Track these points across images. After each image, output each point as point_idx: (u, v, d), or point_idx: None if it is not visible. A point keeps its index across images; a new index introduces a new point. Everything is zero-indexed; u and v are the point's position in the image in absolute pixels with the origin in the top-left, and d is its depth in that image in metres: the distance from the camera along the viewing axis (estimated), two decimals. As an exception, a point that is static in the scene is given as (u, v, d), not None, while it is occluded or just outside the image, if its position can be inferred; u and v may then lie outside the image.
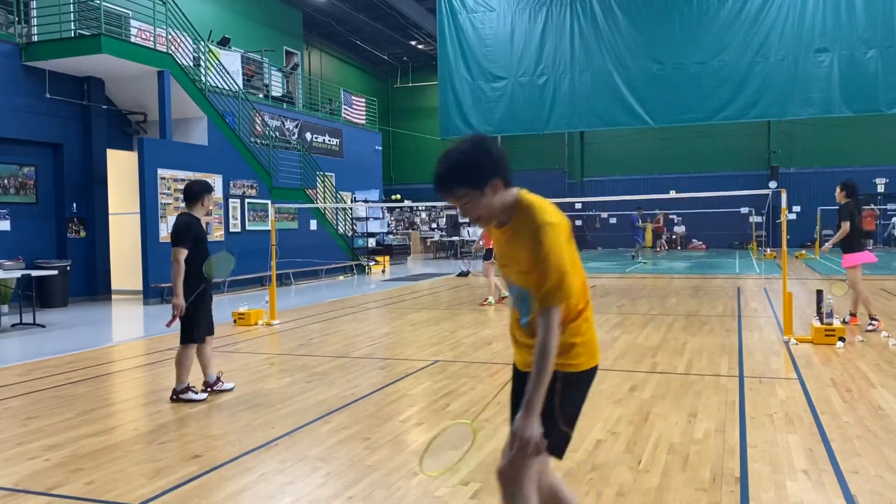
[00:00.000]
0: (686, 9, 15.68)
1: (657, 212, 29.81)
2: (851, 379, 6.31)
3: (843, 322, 9.01)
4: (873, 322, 8.94)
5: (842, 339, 7.91)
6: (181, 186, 14.60)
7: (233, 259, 6.35)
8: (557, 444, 2.57)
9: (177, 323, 5.99)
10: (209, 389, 6.15)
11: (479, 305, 12.43)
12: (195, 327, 5.96)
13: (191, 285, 5.89)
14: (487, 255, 12.51)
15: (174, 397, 5.97)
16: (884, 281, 15.70)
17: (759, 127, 30.86)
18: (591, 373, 2.59)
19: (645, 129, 23.21)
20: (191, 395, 5.95)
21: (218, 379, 6.25)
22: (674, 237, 33.38)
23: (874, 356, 7.30)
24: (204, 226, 6.18)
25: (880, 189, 30.22)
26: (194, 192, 5.98)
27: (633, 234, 25.49)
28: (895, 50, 14.43)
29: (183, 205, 6.13)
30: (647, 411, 5.35)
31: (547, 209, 2.46)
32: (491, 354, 7.84)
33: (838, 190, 9.35)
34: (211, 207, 15.25)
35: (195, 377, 6.21)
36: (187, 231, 5.86)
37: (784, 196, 8.48)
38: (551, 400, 2.50)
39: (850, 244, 9.07)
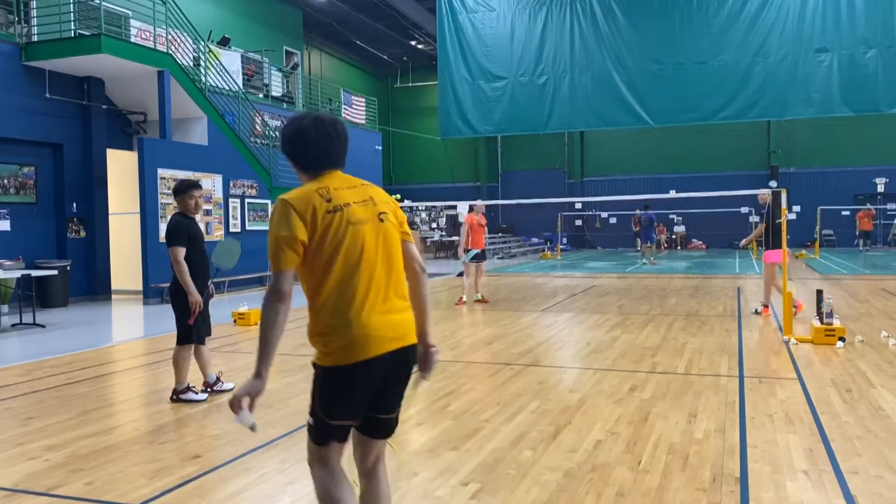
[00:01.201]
0: (686, 9, 15.67)
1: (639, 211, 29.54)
2: (851, 379, 6.31)
3: (756, 312, 10.58)
4: (765, 307, 10.56)
5: (842, 339, 7.91)
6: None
7: (238, 245, 6.32)
8: (310, 428, 2.63)
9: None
10: (209, 389, 6.13)
11: (473, 303, 12.45)
12: (194, 328, 5.92)
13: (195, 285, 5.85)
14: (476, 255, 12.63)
15: (174, 397, 5.95)
16: (884, 281, 15.70)
17: (759, 127, 30.87)
18: (338, 372, 2.51)
19: (645, 129, 23.19)
20: (191, 396, 5.93)
21: (218, 379, 6.23)
22: (674, 237, 33.38)
23: (874, 356, 7.31)
24: (203, 227, 6.13)
25: (880, 189, 30.20)
26: (172, 192, 6.02)
27: (648, 233, 23.25)
28: (895, 50, 14.43)
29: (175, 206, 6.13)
30: (647, 411, 5.35)
31: (291, 193, 2.63)
32: (491, 354, 7.84)
33: (766, 195, 10.45)
34: (209, 207, 15.33)
35: (195, 377, 6.21)
36: (179, 228, 5.79)
37: (784, 196, 8.48)
38: (314, 385, 2.61)
39: (770, 241, 10.20)
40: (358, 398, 2.56)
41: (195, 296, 5.81)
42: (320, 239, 2.52)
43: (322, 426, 2.58)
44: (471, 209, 12.76)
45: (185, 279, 5.75)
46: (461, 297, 12.80)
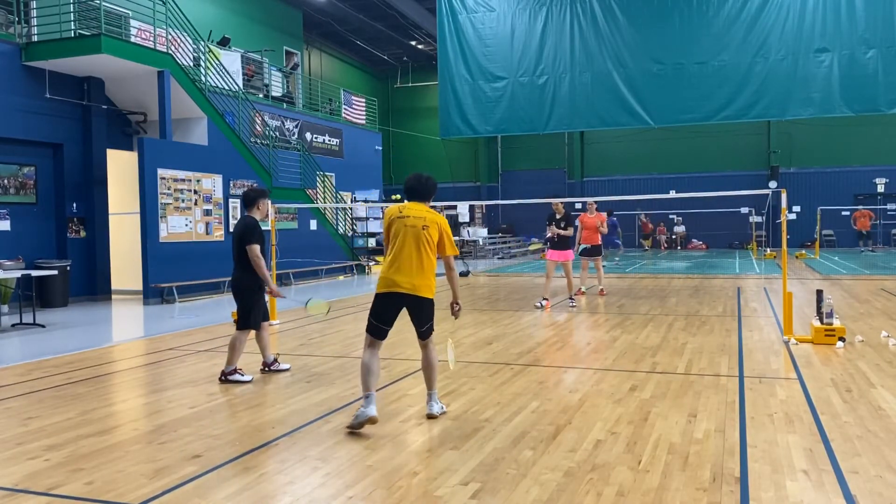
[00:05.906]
0: (686, 9, 15.66)
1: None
2: (851, 379, 6.31)
3: (538, 306, 11.68)
4: (544, 301, 11.76)
5: (842, 339, 7.91)
6: (181, 186, 14.60)
7: (327, 306, 7.62)
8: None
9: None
10: (267, 368, 6.87)
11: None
12: (252, 315, 6.64)
13: (253, 278, 6.59)
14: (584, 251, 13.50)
15: (222, 378, 6.55)
16: (884, 281, 15.70)
17: (759, 127, 30.84)
18: (376, 296, 5.16)
19: (645, 129, 23.19)
20: (237, 377, 6.54)
21: (275, 360, 6.97)
22: (674, 237, 33.36)
23: (874, 356, 7.31)
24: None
25: (880, 189, 30.17)
26: (250, 198, 6.82)
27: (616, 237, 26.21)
28: (895, 50, 14.42)
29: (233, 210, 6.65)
30: (647, 411, 5.35)
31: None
32: (491, 354, 7.84)
33: (559, 203, 11.77)
34: (210, 206, 15.32)
35: (241, 363, 6.59)
36: (255, 230, 6.59)
37: (784, 196, 8.48)
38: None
39: (554, 244, 11.69)
40: (380, 311, 5.13)
41: (274, 285, 6.81)
42: (391, 230, 5.16)
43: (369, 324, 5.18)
44: (585, 208, 13.66)
45: (264, 272, 6.59)
46: (580, 289, 13.53)
